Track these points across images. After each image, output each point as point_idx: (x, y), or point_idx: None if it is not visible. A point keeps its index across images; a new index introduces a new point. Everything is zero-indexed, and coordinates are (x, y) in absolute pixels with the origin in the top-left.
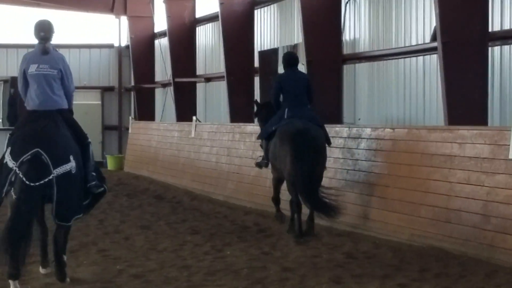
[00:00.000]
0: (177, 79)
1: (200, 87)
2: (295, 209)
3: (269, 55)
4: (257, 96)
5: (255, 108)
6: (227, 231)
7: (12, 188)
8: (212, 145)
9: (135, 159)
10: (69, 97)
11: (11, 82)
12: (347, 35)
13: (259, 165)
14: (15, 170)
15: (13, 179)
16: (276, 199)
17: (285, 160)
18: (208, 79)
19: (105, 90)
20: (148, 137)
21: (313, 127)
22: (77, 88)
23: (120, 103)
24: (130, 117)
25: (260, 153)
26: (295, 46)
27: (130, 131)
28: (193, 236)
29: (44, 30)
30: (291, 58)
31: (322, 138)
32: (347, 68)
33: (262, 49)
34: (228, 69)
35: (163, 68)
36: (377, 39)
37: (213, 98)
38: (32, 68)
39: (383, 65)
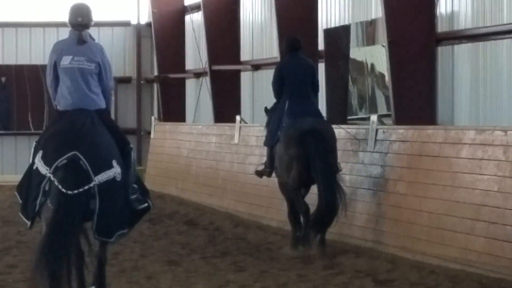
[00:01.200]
0: (215, 67)
1: (245, 77)
2: (303, 213)
3: (338, 34)
4: (322, 87)
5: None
6: (283, 268)
7: (48, 199)
8: (262, 154)
9: (159, 173)
10: (107, 96)
11: None
12: (443, 7)
13: (259, 173)
14: (49, 177)
15: (47, 187)
16: (294, 214)
17: (290, 164)
18: (256, 67)
19: (119, 81)
20: (176, 144)
21: (321, 123)
22: None
23: (139, 99)
24: (153, 117)
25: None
26: (372, 23)
27: (152, 135)
28: (238, 274)
29: (81, 15)
30: (293, 42)
31: (332, 136)
32: (442, 51)
33: (329, 26)
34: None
35: (196, 53)
36: (483, 12)
37: (263, 91)
38: (66, 61)
39: (491, 46)
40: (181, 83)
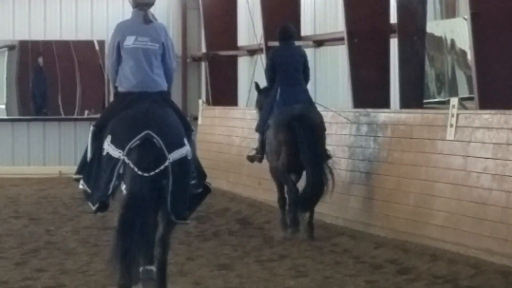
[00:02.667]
0: (271, 43)
1: (307, 55)
2: (292, 196)
3: (413, 6)
4: (394, 66)
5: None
6: (350, 273)
7: (122, 183)
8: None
9: (207, 164)
10: (169, 77)
11: (20, 48)
12: None
13: (251, 158)
14: (123, 159)
15: (121, 171)
16: (283, 199)
17: (279, 150)
18: (319, 43)
19: None
20: (228, 131)
21: (310, 110)
22: None
23: (184, 80)
24: (200, 101)
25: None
26: None
27: (200, 121)
28: (298, 280)
29: None
30: (285, 31)
31: (321, 122)
32: None
33: None
34: (350, 27)
35: (250, 27)
36: None
37: (327, 70)
38: (129, 41)
39: None
40: (233, 61)
